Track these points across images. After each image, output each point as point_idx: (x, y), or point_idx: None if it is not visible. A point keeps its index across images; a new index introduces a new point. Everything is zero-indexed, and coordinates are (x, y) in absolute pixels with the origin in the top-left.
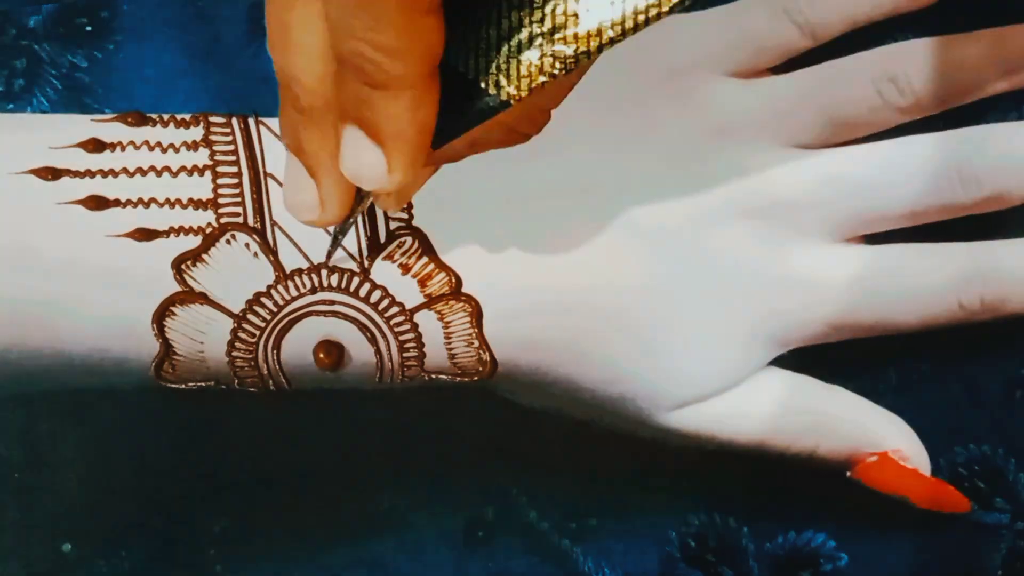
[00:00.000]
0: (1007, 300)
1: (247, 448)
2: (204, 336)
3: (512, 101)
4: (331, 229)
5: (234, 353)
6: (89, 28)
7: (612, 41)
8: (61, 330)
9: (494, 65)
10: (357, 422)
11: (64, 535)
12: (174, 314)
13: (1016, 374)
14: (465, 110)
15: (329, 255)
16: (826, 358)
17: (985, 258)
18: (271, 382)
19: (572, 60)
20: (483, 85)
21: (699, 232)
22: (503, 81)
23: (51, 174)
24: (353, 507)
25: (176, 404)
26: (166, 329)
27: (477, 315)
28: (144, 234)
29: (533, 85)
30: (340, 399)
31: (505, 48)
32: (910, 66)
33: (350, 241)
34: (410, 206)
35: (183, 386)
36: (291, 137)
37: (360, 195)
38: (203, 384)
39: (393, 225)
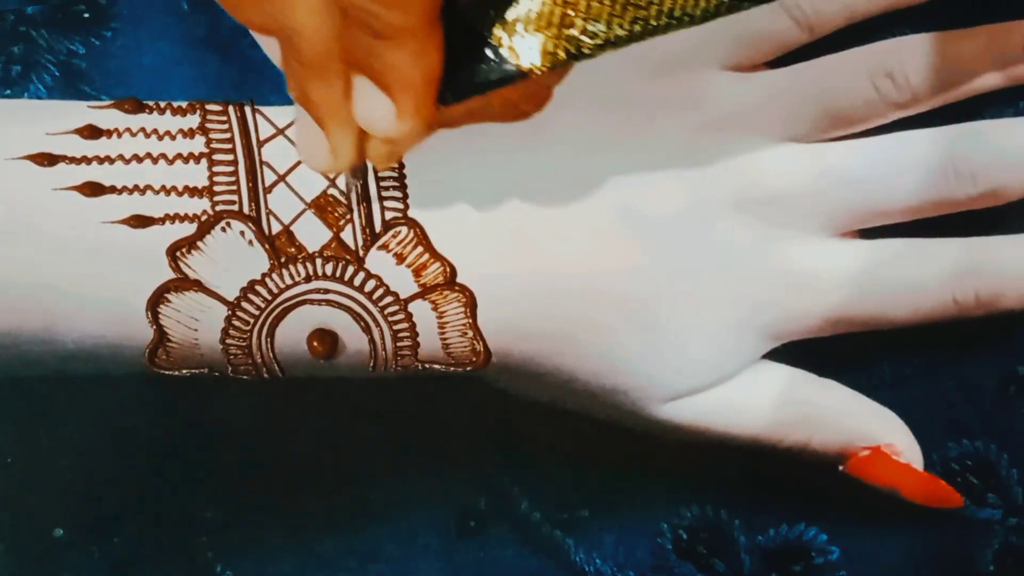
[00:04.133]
0: (1002, 296)
1: (240, 436)
2: (198, 323)
3: (532, 74)
4: (344, 179)
5: (228, 341)
6: (87, 15)
7: (641, 36)
8: (55, 316)
9: (517, 36)
10: (350, 411)
11: (56, 520)
12: (168, 301)
13: (1010, 370)
14: (483, 73)
15: (350, 199)
16: (820, 352)
17: (980, 254)
18: (265, 370)
19: (598, 48)
20: (504, 52)
21: (694, 224)
22: (525, 53)
23: (47, 160)
24: (345, 496)
25: (169, 391)
26: (160, 316)
27: (471, 305)
28: (139, 221)
29: (556, 63)
30: (333, 388)
31: (533, 21)
32: (907, 61)
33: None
34: (406, 196)
35: (176, 373)
36: (297, 90)
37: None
38: (197, 371)
39: (389, 215)
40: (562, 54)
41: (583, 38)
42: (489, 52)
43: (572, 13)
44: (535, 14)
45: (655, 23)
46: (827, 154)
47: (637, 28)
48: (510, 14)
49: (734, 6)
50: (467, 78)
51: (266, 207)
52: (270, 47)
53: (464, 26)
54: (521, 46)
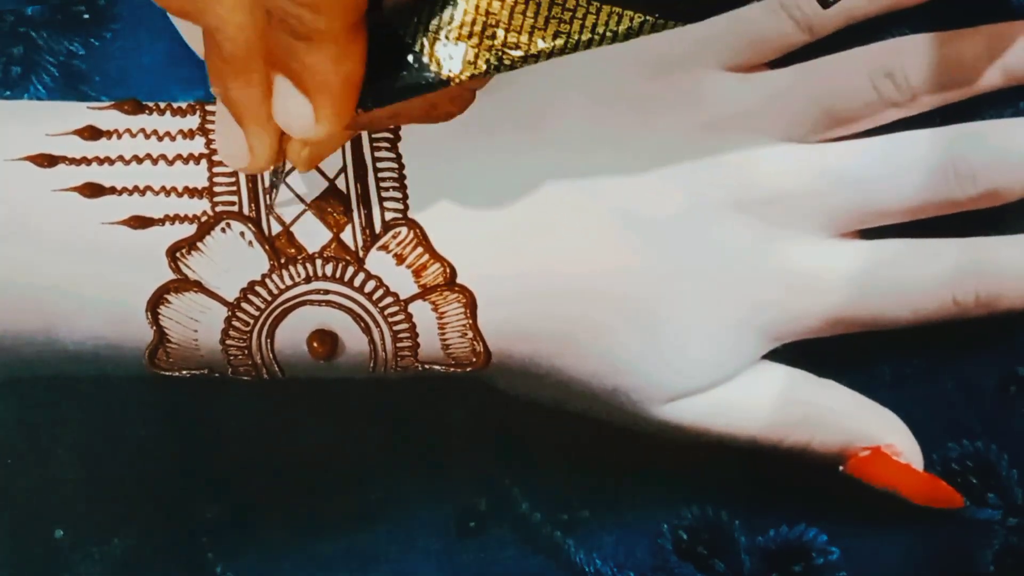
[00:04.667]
0: (1001, 296)
1: (240, 436)
2: (198, 324)
3: (452, 82)
4: (267, 177)
5: (228, 341)
6: (86, 16)
7: (563, 50)
8: (55, 317)
9: (439, 43)
10: (350, 412)
11: (56, 521)
12: (168, 302)
13: (1009, 370)
14: (403, 80)
15: (268, 206)
16: (820, 353)
17: (980, 254)
18: (264, 371)
19: (520, 59)
20: (426, 60)
21: (694, 224)
22: (446, 61)
23: (47, 161)
24: (345, 497)
25: (170, 392)
26: (160, 317)
27: (471, 306)
28: (139, 222)
29: (476, 73)
30: (333, 389)
31: (455, 30)
32: (907, 62)
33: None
34: (406, 197)
35: (177, 374)
36: (218, 85)
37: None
38: (197, 372)
39: (388, 216)
40: (483, 64)
41: (505, 49)
42: (411, 59)
43: (495, 24)
44: (458, 23)
45: (577, 38)
46: (827, 154)
47: (559, 42)
48: (433, 22)
49: (658, 25)
50: (388, 84)
51: (266, 207)
52: (188, 33)
53: (387, 31)
54: (443, 54)
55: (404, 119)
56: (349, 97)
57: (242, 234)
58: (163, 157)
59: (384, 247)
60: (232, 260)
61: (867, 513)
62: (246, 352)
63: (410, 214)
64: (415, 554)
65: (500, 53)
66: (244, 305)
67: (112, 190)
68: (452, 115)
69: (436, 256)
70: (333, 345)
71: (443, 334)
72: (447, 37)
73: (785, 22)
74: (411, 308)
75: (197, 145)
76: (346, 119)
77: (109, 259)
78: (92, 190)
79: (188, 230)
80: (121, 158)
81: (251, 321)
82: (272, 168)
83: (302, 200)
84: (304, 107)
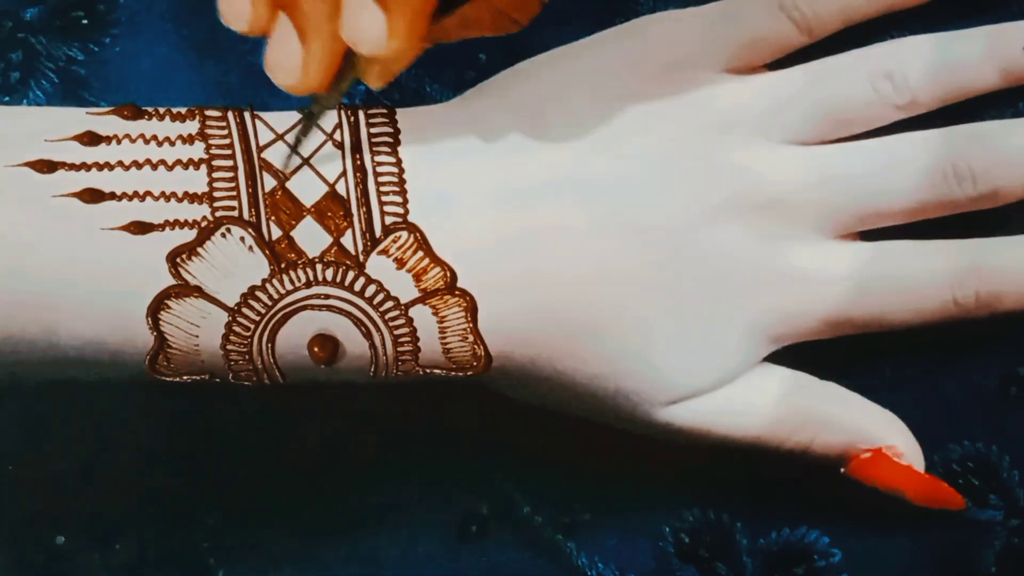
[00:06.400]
0: (1002, 297)
1: (241, 441)
2: (198, 329)
3: None
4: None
5: (228, 347)
6: (85, 21)
7: None
8: (56, 323)
9: None
10: (351, 416)
11: (58, 527)
12: (169, 307)
13: (1010, 371)
14: None
15: (298, 138)
16: (821, 354)
17: (981, 254)
18: (265, 376)
19: None
20: None
21: (695, 228)
22: None
23: (46, 167)
24: (347, 501)
25: (170, 397)
26: (161, 322)
27: (472, 310)
28: (139, 227)
29: None
30: (335, 393)
31: None
32: (907, 63)
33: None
34: (406, 201)
35: (177, 379)
36: None
37: (342, 73)
38: (197, 377)
39: (389, 220)
40: None
41: None
42: None
43: None
44: None
45: None
46: (827, 156)
47: None
48: None
49: None
50: None
51: (266, 212)
52: None
53: None
54: None
55: (474, 29)
56: (424, 10)
57: (242, 239)
58: (163, 162)
59: (384, 251)
60: (232, 265)
61: (869, 515)
62: (247, 357)
63: (410, 218)
64: (417, 559)
65: None
66: (245, 310)
67: (112, 195)
68: (520, 24)
69: (436, 260)
70: (334, 350)
71: (444, 338)
72: None
73: (785, 23)
74: (412, 312)
75: (197, 150)
76: (420, 33)
77: (109, 264)
78: (92, 196)
79: (188, 235)
80: (121, 163)
81: (252, 326)
82: (307, 111)
83: (302, 205)
84: (378, 19)
